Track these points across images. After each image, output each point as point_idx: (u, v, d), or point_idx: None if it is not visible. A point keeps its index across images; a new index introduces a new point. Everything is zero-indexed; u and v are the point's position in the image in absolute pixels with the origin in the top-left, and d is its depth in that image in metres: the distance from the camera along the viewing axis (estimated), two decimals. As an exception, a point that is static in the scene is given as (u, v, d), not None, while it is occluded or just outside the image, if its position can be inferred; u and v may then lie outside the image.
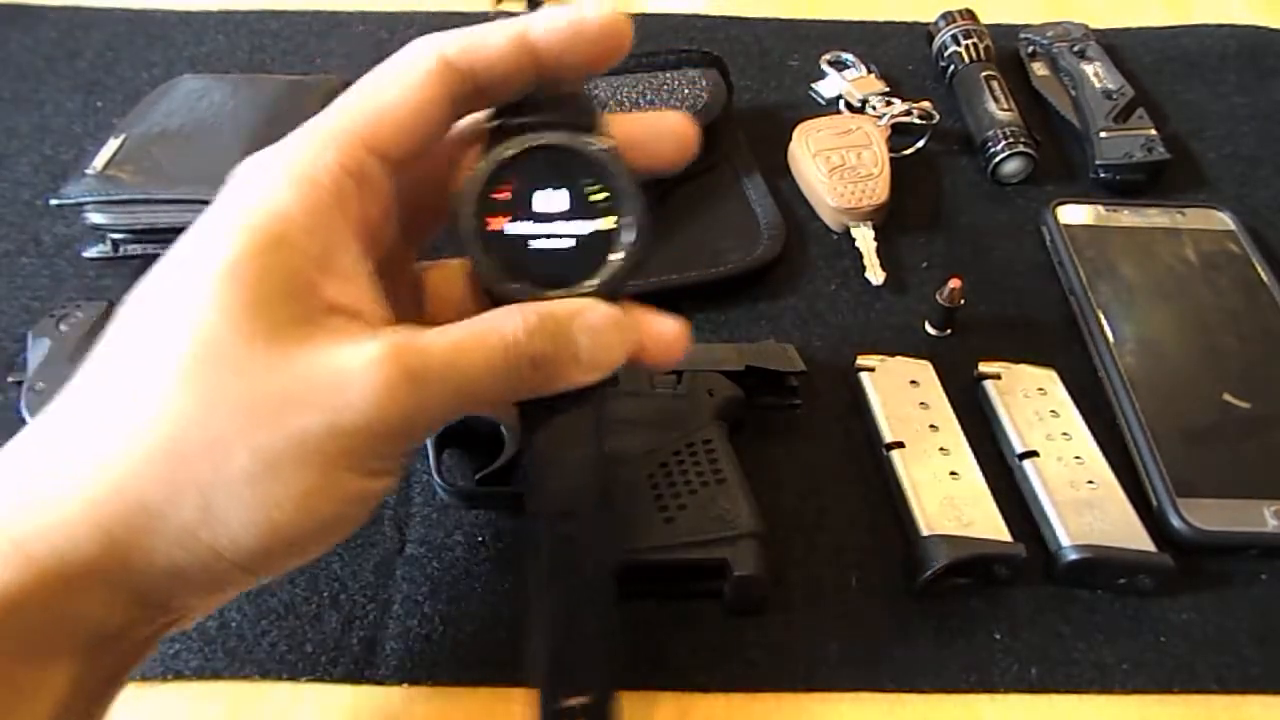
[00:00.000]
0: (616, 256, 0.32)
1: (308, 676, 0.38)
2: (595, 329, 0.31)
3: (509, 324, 0.29)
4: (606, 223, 0.32)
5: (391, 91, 0.30)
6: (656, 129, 0.34)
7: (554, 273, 0.32)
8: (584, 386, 0.31)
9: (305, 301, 0.28)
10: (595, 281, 0.32)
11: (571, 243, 0.32)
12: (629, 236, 0.32)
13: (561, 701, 0.32)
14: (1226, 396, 0.47)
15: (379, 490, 0.29)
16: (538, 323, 0.30)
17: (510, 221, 0.32)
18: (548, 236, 0.32)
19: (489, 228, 0.31)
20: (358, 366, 0.27)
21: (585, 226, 0.32)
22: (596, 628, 0.33)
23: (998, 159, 0.59)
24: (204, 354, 0.26)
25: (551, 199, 0.32)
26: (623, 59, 0.32)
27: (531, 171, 0.32)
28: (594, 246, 0.32)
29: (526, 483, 0.33)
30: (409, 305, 0.34)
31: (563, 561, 0.33)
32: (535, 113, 0.32)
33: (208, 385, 0.26)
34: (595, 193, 0.32)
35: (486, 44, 0.30)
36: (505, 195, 0.32)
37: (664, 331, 0.33)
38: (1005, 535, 0.41)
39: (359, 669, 0.38)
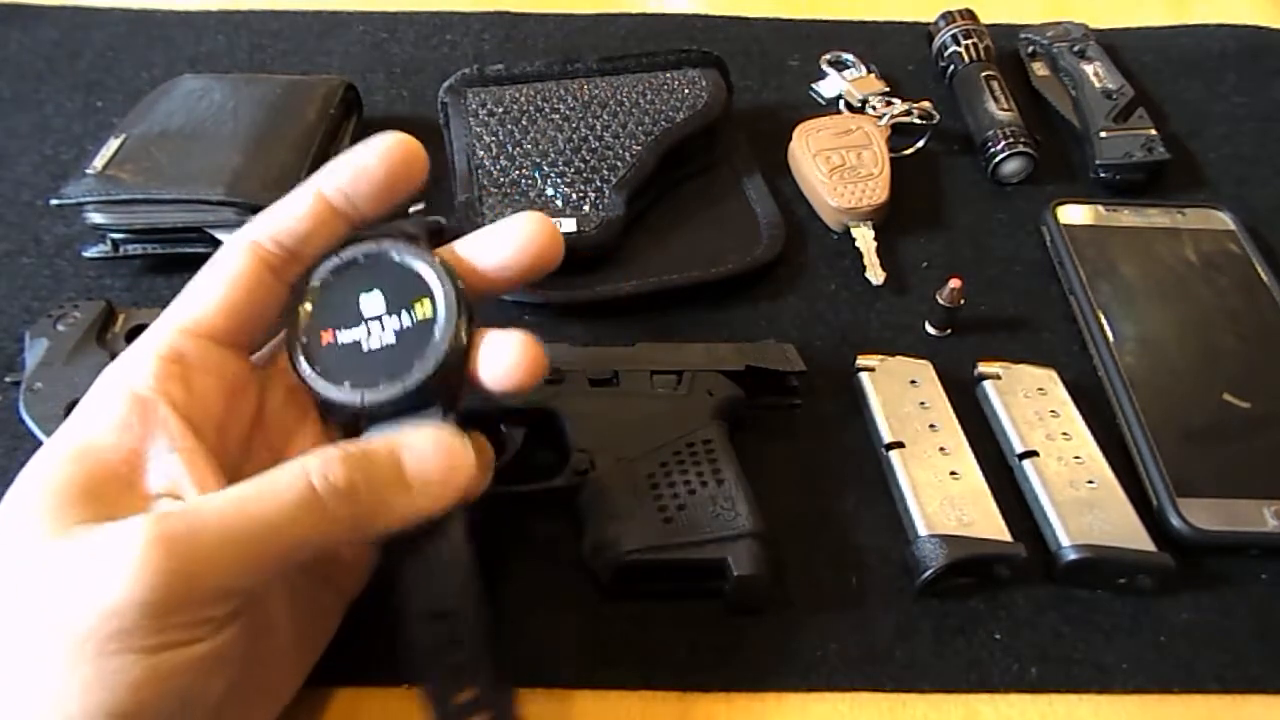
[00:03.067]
0: (439, 339, 0.32)
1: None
2: (424, 451, 0.31)
3: (304, 462, 0.30)
4: (423, 309, 0.33)
5: (207, 280, 0.33)
6: (505, 228, 0.35)
7: (384, 371, 0.32)
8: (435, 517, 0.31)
9: (111, 499, 0.29)
10: (421, 372, 0.32)
11: (393, 338, 0.33)
12: (444, 315, 0.33)
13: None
14: (1226, 396, 0.47)
15: (184, 663, 0.28)
16: (340, 451, 0.30)
17: (339, 331, 0.33)
18: (376, 337, 0.33)
19: (323, 343, 0.33)
20: (113, 542, 0.27)
21: (405, 319, 0.33)
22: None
23: (998, 159, 0.59)
24: (7, 572, 0.28)
25: (370, 302, 0.33)
26: (422, 172, 0.34)
27: (346, 285, 0.34)
28: (417, 335, 0.33)
29: (396, 581, 0.33)
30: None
31: (438, 663, 0.32)
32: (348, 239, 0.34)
33: (10, 600, 0.28)
34: (405, 286, 0.33)
35: (286, 214, 0.33)
36: (327, 312, 0.33)
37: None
38: (1005, 535, 0.41)
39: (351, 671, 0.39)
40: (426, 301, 0.33)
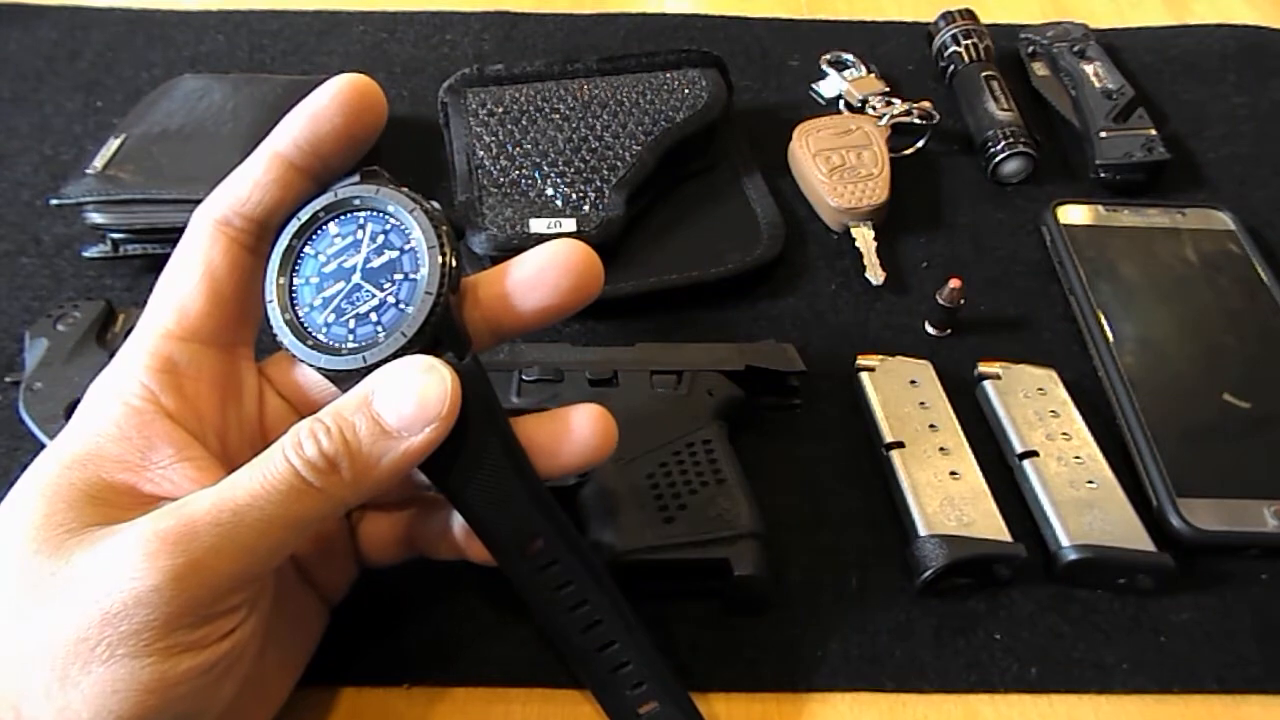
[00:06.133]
0: (426, 273, 0.31)
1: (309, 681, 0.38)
2: (393, 392, 0.30)
3: (282, 443, 0.29)
4: (402, 245, 0.31)
5: (181, 278, 0.31)
6: (545, 263, 0.33)
7: (379, 324, 0.31)
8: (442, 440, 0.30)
9: (113, 504, 0.29)
10: (417, 314, 0.30)
11: (379, 286, 0.31)
12: (425, 246, 0.31)
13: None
14: (1226, 396, 0.47)
15: (194, 668, 0.28)
16: (312, 424, 0.29)
17: (321, 294, 0.31)
18: (361, 290, 0.31)
19: (309, 312, 0.31)
20: (115, 545, 0.27)
21: (384, 262, 0.31)
22: (626, 638, 0.33)
23: (998, 159, 0.59)
24: (10, 577, 0.28)
25: (345, 254, 0.31)
26: (380, 112, 0.32)
27: (316, 244, 0.32)
28: (403, 275, 0.31)
29: (478, 529, 0.33)
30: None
31: (548, 586, 0.33)
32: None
33: (13, 605, 0.27)
34: (376, 226, 0.31)
35: (246, 182, 0.31)
36: (303, 277, 0.32)
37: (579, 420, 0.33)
38: (1005, 535, 0.41)
39: (346, 671, 0.39)
40: (403, 235, 0.31)
